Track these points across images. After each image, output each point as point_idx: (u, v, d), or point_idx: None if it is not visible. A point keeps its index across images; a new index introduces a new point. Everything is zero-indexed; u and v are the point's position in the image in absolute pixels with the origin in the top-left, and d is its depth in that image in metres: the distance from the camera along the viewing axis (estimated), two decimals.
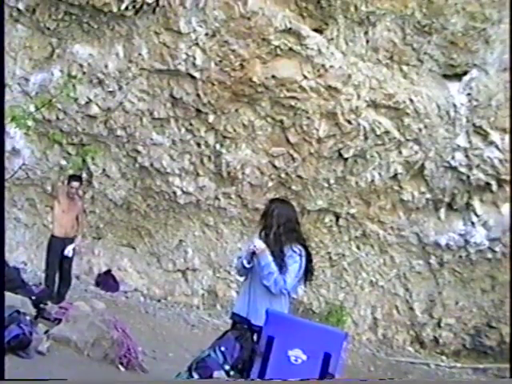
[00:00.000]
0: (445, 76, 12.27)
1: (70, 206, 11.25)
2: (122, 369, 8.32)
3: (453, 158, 12.50)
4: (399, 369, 12.52)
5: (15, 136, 13.03)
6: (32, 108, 11.77)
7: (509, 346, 12.95)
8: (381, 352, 13.32)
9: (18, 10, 12.09)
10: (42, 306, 9.66)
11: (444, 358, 13.50)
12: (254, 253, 6.06)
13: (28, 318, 7.99)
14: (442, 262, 13.29)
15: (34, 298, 9.72)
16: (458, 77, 12.22)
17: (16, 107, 11.09)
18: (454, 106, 12.20)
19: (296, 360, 5.63)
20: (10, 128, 12.12)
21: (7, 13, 12.20)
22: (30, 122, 10.65)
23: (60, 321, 8.97)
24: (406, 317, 13.72)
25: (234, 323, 6.31)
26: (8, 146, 13.24)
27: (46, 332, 8.31)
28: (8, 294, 9.12)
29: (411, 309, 13.64)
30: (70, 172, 11.95)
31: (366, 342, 13.56)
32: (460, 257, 13.18)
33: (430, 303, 13.58)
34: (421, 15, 11.81)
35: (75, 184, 11.23)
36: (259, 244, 6.04)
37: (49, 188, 13.53)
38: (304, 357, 5.62)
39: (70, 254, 11.28)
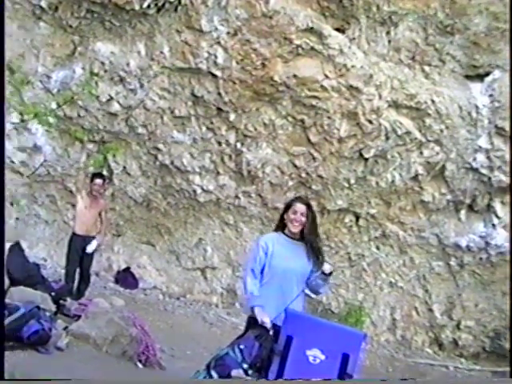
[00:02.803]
0: (467, 77, 12.21)
1: (92, 204, 11.27)
2: (140, 366, 8.34)
3: (474, 159, 12.43)
4: (417, 370, 12.46)
5: (37, 133, 13.12)
6: (54, 105, 11.83)
7: None
8: (399, 353, 13.26)
9: (41, 7, 12.17)
10: (61, 302, 9.71)
11: (463, 360, 13.41)
12: (324, 273, 6.16)
13: (48, 313, 8.03)
14: (462, 263, 13.21)
15: (53, 294, 9.78)
16: (480, 77, 12.16)
17: (38, 104, 11.16)
18: (476, 107, 12.14)
19: (314, 360, 5.62)
20: (32, 125, 12.22)
21: (30, 10, 12.28)
22: (51, 119, 10.71)
23: (79, 317, 9.02)
24: (425, 318, 13.65)
25: (250, 323, 6.31)
26: (29, 143, 13.33)
27: (65, 328, 8.34)
28: (28, 290, 9.21)
29: (430, 310, 13.57)
30: (91, 169, 11.97)
31: (385, 343, 13.51)
32: (480, 259, 13.09)
33: (449, 305, 13.50)
34: (443, 15, 11.77)
35: (98, 181, 11.26)
36: (330, 267, 6.19)
37: (69, 185, 13.59)
38: (322, 357, 5.62)
39: (91, 251, 11.31)
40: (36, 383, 5.65)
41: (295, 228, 6.24)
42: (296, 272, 6.20)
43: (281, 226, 6.40)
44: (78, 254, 11.20)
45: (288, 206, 6.35)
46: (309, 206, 6.35)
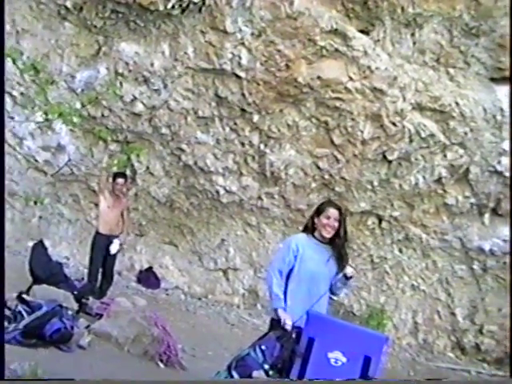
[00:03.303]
0: (492, 79, 12.12)
1: (115, 203, 11.30)
2: (162, 365, 8.37)
3: (499, 162, 12.33)
4: (439, 374, 12.39)
5: (61, 132, 13.20)
6: (78, 105, 11.88)
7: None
8: (421, 357, 13.20)
9: (66, 7, 12.25)
10: (83, 300, 9.77)
11: (485, 365, 13.30)
12: (346, 276, 6.22)
13: (70, 312, 8.10)
14: (486, 267, 13.11)
15: (76, 292, 9.84)
16: (505, 80, 12.05)
17: (62, 104, 11.20)
18: (501, 109, 12.04)
19: (336, 362, 5.60)
20: (56, 124, 12.28)
21: (55, 10, 12.36)
22: (75, 119, 10.75)
23: (101, 316, 9.07)
24: (447, 322, 13.57)
25: (272, 325, 6.31)
26: (53, 142, 13.41)
27: (88, 327, 8.40)
28: (51, 288, 9.29)
29: (453, 314, 13.49)
30: (115, 169, 12.02)
31: (406, 347, 13.45)
32: (504, 263, 12.97)
33: (472, 309, 13.41)
34: (469, 17, 11.69)
35: (120, 181, 11.29)
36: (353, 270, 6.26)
37: (93, 184, 13.65)
38: (344, 359, 5.60)
39: (115, 251, 11.35)
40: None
41: (328, 233, 6.23)
42: (324, 276, 6.21)
43: (310, 229, 6.38)
44: (102, 254, 11.23)
45: (320, 211, 6.32)
46: (341, 211, 6.33)
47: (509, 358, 12.81)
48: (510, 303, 12.58)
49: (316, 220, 6.28)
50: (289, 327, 5.90)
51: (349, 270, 6.14)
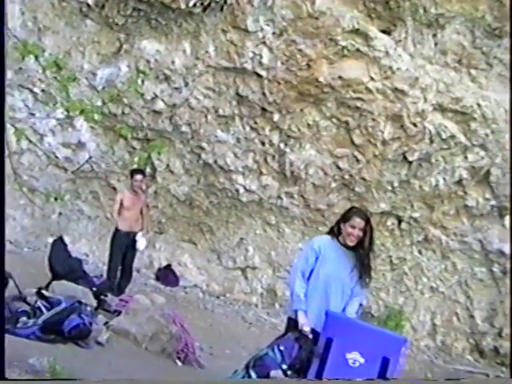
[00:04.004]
0: None
1: (133, 200, 11.34)
2: (179, 363, 8.39)
3: None
4: (457, 377, 12.33)
5: (81, 129, 13.25)
6: (99, 102, 11.92)
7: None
8: (439, 359, 13.13)
9: (88, 5, 12.30)
10: (102, 297, 9.80)
11: (504, 369, 13.22)
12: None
13: (89, 308, 8.13)
14: (505, 270, 13.01)
15: (94, 289, 9.88)
16: None
17: (83, 101, 11.24)
18: None
19: (354, 363, 5.59)
20: (77, 121, 12.34)
21: (77, 8, 12.41)
22: (97, 116, 10.80)
23: (120, 313, 9.10)
24: (466, 324, 13.49)
25: (289, 324, 6.32)
26: (74, 139, 13.46)
27: (106, 323, 8.43)
28: (70, 284, 9.34)
29: (472, 317, 13.41)
30: (135, 166, 12.05)
31: (424, 348, 13.38)
32: None
33: (491, 312, 13.33)
34: (491, 18, 11.63)
35: (138, 177, 11.31)
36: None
37: (113, 181, 13.71)
38: (362, 360, 5.59)
39: (143, 247, 11.40)
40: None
41: (351, 242, 6.24)
42: (342, 280, 6.21)
43: (336, 233, 6.37)
44: (122, 251, 11.26)
45: (346, 218, 6.31)
46: (367, 221, 6.30)
47: None
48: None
49: (342, 226, 6.28)
50: (307, 333, 5.92)
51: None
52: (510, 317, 12.68)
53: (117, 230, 11.32)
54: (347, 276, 6.22)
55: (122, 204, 11.31)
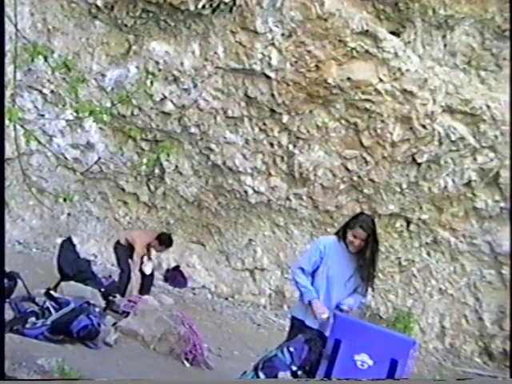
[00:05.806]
0: None
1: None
2: (187, 364, 8.39)
3: None
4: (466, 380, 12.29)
5: (90, 130, 13.26)
6: (108, 103, 11.93)
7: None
8: (447, 361, 13.11)
9: (97, 6, 12.30)
10: (110, 298, 9.82)
11: None
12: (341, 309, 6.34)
13: (97, 309, 8.14)
14: None
15: (103, 290, 9.89)
16: None
17: (93, 102, 11.25)
18: None
19: (362, 365, 5.59)
20: (86, 122, 12.35)
21: (86, 9, 12.43)
22: (106, 117, 10.81)
23: (128, 314, 9.12)
24: (474, 327, 13.47)
25: (293, 324, 6.35)
26: (83, 140, 13.47)
27: (114, 324, 8.45)
28: (78, 285, 9.36)
29: (480, 319, 13.38)
30: (144, 168, 12.02)
31: (433, 351, 13.37)
32: None
33: (500, 314, 13.30)
34: (501, 19, 11.60)
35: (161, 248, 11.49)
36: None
37: (121, 182, 13.72)
38: (370, 362, 5.59)
39: (150, 271, 11.34)
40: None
41: (353, 249, 6.33)
42: (345, 282, 6.23)
43: (342, 236, 6.39)
44: (127, 260, 11.16)
45: (351, 225, 6.37)
46: (370, 234, 6.30)
47: None
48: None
49: (347, 230, 6.31)
50: (324, 320, 5.95)
51: (345, 306, 6.21)
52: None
53: (118, 243, 11.29)
54: (349, 279, 6.24)
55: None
